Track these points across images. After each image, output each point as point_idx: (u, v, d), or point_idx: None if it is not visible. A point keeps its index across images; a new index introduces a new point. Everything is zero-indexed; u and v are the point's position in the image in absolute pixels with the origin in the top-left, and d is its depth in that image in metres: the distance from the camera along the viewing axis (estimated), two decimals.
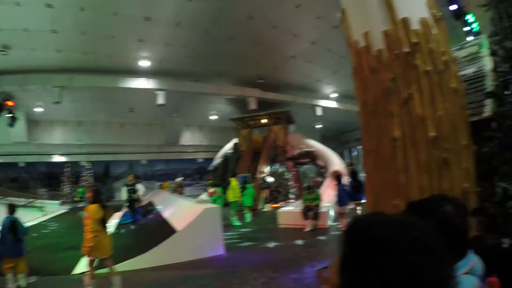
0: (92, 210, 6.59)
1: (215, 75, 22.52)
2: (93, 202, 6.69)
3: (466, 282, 1.38)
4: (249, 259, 8.88)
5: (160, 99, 21.14)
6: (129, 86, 21.26)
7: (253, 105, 23.68)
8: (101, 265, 6.95)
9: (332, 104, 28.56)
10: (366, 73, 4.79)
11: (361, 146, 5.64)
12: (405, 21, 4.51)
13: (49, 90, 20.54)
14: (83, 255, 6.69)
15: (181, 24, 16.93)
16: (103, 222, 6.73)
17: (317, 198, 12.18)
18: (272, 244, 10.31)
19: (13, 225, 7.40)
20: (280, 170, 21.67)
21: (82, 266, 8.83)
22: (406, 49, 4.38)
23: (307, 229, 11.72)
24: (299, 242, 10.29)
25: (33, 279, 7.86)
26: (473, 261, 1.54)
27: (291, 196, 20.52)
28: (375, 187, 4.82)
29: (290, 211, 13.63)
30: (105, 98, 24.74)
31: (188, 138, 34.43)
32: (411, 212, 1.53)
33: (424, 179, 4.20)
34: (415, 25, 4.53)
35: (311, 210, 11.87)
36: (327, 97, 28.00)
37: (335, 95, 27.52)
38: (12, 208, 7.85)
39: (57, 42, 17.42)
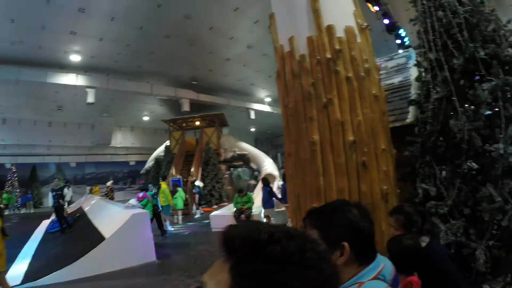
0: None
1: (149, 74, 22.15)
2: None
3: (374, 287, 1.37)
4: (182, 264, 8.74)
5: (90, 97, 20.50)
6: (58, 82, 20.31)
7: (186, 107, 23.56)
8: None
9: (266, 108, 29.04)
10: (288, 77, 4.89)
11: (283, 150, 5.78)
12: (330, 28, 4.63)
13: None
14: None
15: (116, 18, 16.52)
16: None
17: (249, 201, 12.22)
18: (205, 249, 10.22)
19: None
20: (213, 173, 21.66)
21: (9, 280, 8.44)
22: (329, 55, 4.51)
23: None
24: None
25: None
26: (381, 265, 1.48)
27: (224, 199, 20.54)
28: (296, 190, 4.90)
29: (222, 214, 13.60)
30: (32, 94, 23.33)
31: (120, 139, 33.51)
32: (313, 219, 1.52)
33: (343, 181, 4.33)
34: (340, 33, 4.66)
35: (243, 213, 11.92)
36: (261, 101, 28.41)
37: (269, 99, 27.98)
38: None
39: None
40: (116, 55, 19.64)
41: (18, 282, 8.09)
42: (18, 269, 9.38)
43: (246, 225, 0.81)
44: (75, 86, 20.63)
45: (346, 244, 1.37)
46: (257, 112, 28.47)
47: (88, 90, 20.49)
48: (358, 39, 4.83)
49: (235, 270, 0.72)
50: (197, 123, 25.73)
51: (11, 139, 29.48)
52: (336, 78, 4.47)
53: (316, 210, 1.61)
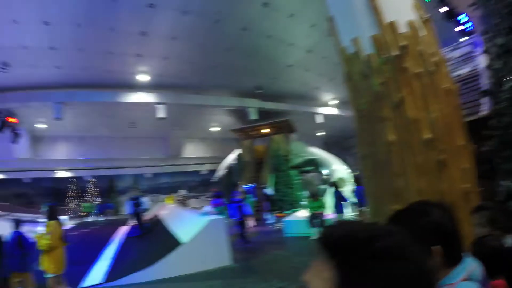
0: (53, 226, 6.62)
1: (214, 87, 22.62)
2: (51, 219, 6.74)
3: None
4: (257, 269, 8.82)
5: (161, 113, 21.22)
6: (129, 101, 21.45)
7: (253, 115, 23.71)
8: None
9: (333, 111, 28.57)
10: (357, 78, 4.78)
11: (357, 152, 5.61)
12: (392, 25, 4.50)
13: (50, 106, 20.67)
14: (53, 273, 6.54)
15: (177, 38, 17.08)
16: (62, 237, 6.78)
17: (322, 205, 12.02)
18: (279, 253, 10.27)
19: (19, 240, 7.40)
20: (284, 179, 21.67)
21: (90, 279, 9.05)
22: (395, 53, 4.37)
23: (314, 237, 11.49)
24: (306, 250, 10.22)
25: None
26: (471, 266, 1.43)
27: (296, 205, 20.41)
28: (374, 192, 4.78)
29: (295, 220, 13.53)
30: (106, 113, 25.00)
31: (191, 150, 34.57)
32: (396, 223, 1.48)
33: (422, 182, 4.16)
34: (402, 28, 4.52)
35: (317, 218, 11.79)
36: (327, 104, 28.01)
37: (335, 101, 27.51)
38: (18, 224, 7.86)
39: (56, 58, 17.71)
40: (182, 72, 20.29)
41: (100, 281, 8.75)
42: (99, 270, 10.09)
43: (346, 225, 0.84)
44: (145, 104, 21.61)
45: (437, 248, 1.34)
46: (324, 115, 28.16)
47: (157, 106, 21.29)
48: (422, 33, 4.65)
49: (341, 268, 0.74)
50: (265, 130, 25.84)
51: (90, 155, 31.76)
52: (405, 75, 4.33)
53: (397, 213, 1.54)
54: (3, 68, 17.92)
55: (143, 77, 20.45)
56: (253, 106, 24.13)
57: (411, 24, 4.57)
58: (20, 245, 7.34)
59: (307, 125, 28.75)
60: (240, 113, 25.99)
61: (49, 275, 6.49)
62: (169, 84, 21.42)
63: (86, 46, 17.12)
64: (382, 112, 4.34)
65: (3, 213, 25.93)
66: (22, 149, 28.08)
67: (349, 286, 0.74)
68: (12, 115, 22.13)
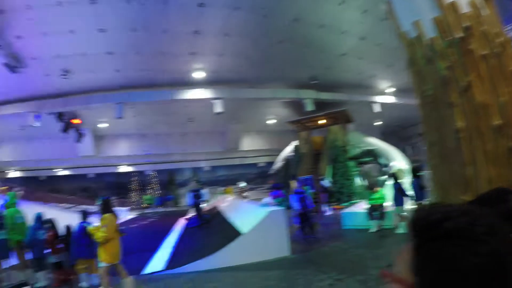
0: (109, 219, 6.86)
1: (269, 80, 22.54)
2: (106, 212, 6.94)
3: None
4: (315, 260, 8.76)
5: (218, 108, 21.44)
6: (187, 98, 21.83)
7: (309, 107, 23.47)
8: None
9: (390, 99, 27.68)
10: (421, 63, 4.57)
11: (424, 140, 5.38)
12: (453, 5, 4.25)
13: (111, 107, 21.60)
14: (108, 263, 6.77)
15: (229, 34, 17.17)
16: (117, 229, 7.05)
17: (382, 197, 11.75)
18: (337, 245, 10.16)
19: (86, 230, 7.87)
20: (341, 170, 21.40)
21: (152, 267, 9.48)
22: (459, 34, 4.13)
23: (373, 230, 11.40)
24: (364, 243, 10.05)
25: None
26: None
27: (354, 196, 20.11)
28: (442, 182, 4.57)
29: (354, 212, 13.34)
30: (165, 111, 25.69)
31: (248, 143, 34.77)
32: None
33: (492, 170, 3.92)
34: (464, 8, 4.26)
35: (376, 210, 11.53)
36: (383, 93, 27.20)
37: (392, 89, 26.64)
38: (85, 214, 8.41)
39: (114, 63, 18.50)
40: (236, 67, 20.34)
41: (162, 268, 9.16)
42: (161, 258, 10.52)
43: (429, 207, 0.83)
44: (202, 100, 21.93)
45: None
46: (381, 104, 27.36)
47: (214, 101, 21.57)
48: (484, 12, 4.36)
49: (415, 249, 0.77)
50: (322, 121, 25.53)
51: (150, 150, 32.89)
52: (471, 58, 4.07)
53: (473, 202, 1.43)
54: (65, 75, 18.98)
55: (199, 74, 20.65)
56: (308, 97, 23.82)
57: (472, 4, 4.30)
58: (86, 234, 7.77)
59: (364, 115, 28.10)
60: (296, 105, 25.76)
61: (103, 265, 6.75)
62: (224, 79, 21.58)
63: (142, 49, 17.64)
64: (449, 98, 4.12)
65: (70, 205, 27.84)
66: (86, 147, 29.78)
67: (419, 267, 0.76)
68: (75, 116, 24.13)
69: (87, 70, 19.24)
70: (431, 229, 0.75)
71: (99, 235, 6.61)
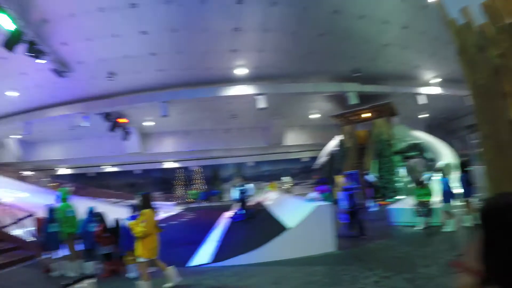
0: (148, 214, 6.97)
1: (312, 74, 22.29)
2: (145, 207, 7.07)
3: None
4: (361, 256, 8.60)
5: (261, 103, 21.43)
6: (229, 94, 21.98)
7: (353, 100, 23.02)
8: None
9: (435, 90, 26.64)
10: (471, 51, 4.32)
11: (474, 134, 5.13)
12: None
13: (156, 106, 22.12)
14: (145, 258, 6.92)
15: (269, 29, 17.11)
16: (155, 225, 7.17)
17: (429, 193, 11.24)
18: (383, 242, 9.95)
19: None
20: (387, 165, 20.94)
21: (198, 259, 9.69)
22: (510, 20, 3.86)
23: (419, 227, 11.03)
24: (411, 240, 9.77)
25: (153, 269, 8.57)
26: None
27: (400, 192, 19.63)
28: (497, 177, 4.32)
29: (400, 208, 12.92)
30: (208, 107, 26.06)
31: (292, 138, 34.68)
32: None
33: None
34: None
35: (423, 207, 11.10)
36: (428, 84, 26.23)
37: (437, 80, 25.64)
38: (134, 208, 8.63)
39: (157, 63, 18.94)
40: (278, 62, 20.22)
41: (207, 261, 9.36)
42: (207, 251, 10.72)
43: (496, 197, 0.90)
44: (245, 96, 21.98)
45: None
46: (427, 96, 26.44)
47: (257, 97, 21.56)
48: None
49: (485, 237, 0.82)
50: (366, 115, 25.09)
51: (195, 146, 33.58)
52: None
53: None
54: (110, 77, 19.76)
55: (241, 71, 20.73)
56: (352, 90, 23.33)
57: None
58: None
59: (409, 107, 27.29)
60: (339, 99, 25.34)
61: (141, 260, 6.91)
62: (266, 75, 21.53)
63: (183, 49, 17.93)
64: (503, 87, 3.87)
65: (118, 200, 28.95)
66: (132, 145, 31.11)
67: (489, 254, 0.80)
68: (122, 116, 25.24)
69: (131, 71, 19.83)
70: (500, 217, 0.79)
71: (137, 230, 6.76)
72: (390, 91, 24.78)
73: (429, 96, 26.10)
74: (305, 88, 23.07)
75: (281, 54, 19.40)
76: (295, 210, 10.82)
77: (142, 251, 6.80)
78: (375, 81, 23.85)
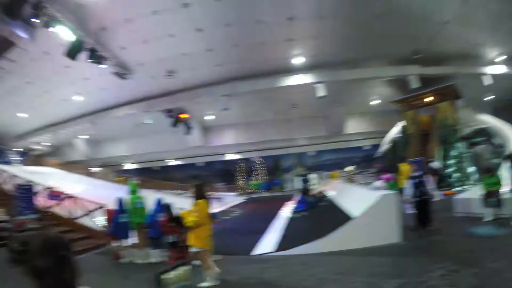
0: (201, 205, 6.97)
1: (370, 59, 21.78)
2: (199, 198, 7.00)
3: None
4: (427, 248, 8.34)
5: (320, 92, 21.30)
6: (288, 84, 22.02)
7: (414, 84, 22.28)
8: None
9: (501, 69, 24.88)
10: None
11: None
12: None
13: (216, 100, 22.71)
14: (198, 248, 6.94)
15: (324, 16, 16.94)
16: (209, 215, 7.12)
17: (498, 182, 10.48)
18: (449, 234, 9.51)
19: None
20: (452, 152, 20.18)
21: (262, 248, 9.85)
22: None
23: (487, 218, 10.29)
24: (479, 232, 9.44)
25: (218, 257, 9.03)
26: None
27: (467, 181, 18.83)
28: None
29: (467, 198, 12.29)
30: (268, 99, 26.29)
31: (353, 126, 34.16)
32: None
33: None
34: None
35: (492, 197, 10.33)
36: (494, 62, 24.54)
37: (503, 58, 23.92)
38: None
39: (214, 58, 19.44)
40: (335, 48, 19.93)
41: (272, 250, 9.44)
42: (270, 240, 10.86)
43: None
44: (304, 85, 21.91)
45: None
46: (492, 76, 24.81)
47: (316, 85, 21.46)
48: None
49: None
50: (429, 99, 24.22)
51: (256, 138, 34.10)
52: None
53: None
54: (170, 75, 20.86)
55: (298, 60, 20.68)
56: (412, 74, 22.44)
57: None
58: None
59: (474, 89, 25.65)
60: (400, 83, 24.54)
61: (194, 249, 7.06)
62: (324, 62, 21.29)
63: (239, 42, 18.21)
64: None
65: (182, 191, 30.18)
66: (194, 138, 32.37)
67: None
68: (183, 111, 26.25)
69: (189, 68, 20.49)
70: None
71: (190, 220, 6.83)
72: (453, 73, 23.54)
73: (494, 76, 24.56)
74: (364, 74, 22.64)
75: (337, 40, 19.13)
76: (359, 199, 10.58)
77: (194, 241, 6.85)
78: (437, 63, 22.84)
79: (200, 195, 7.02)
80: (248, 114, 30.69)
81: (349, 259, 7.94)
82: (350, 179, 26.35)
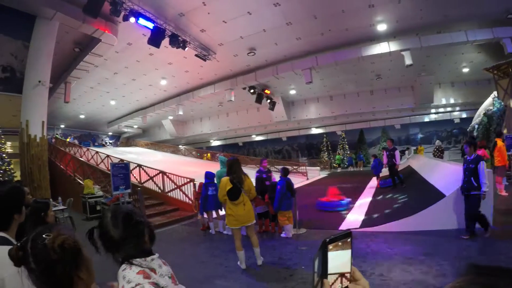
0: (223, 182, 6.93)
1: (459, 20, 20.02)
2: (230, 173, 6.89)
3: None
4: None
5: (407, 60, 20.33)
6: (372, 53, 21.26)
7: (509, 48, 20.39)
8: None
9: None
10: None
11: None
12: None
13: (298, 74, 22.84)
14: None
15: None
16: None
17: None
18: None
19: (288, 184, 9.00)
20: None
21: (347, 224, 9.85)
22: None
23: None
24: None
25: (303, 230, 9.21)
26: None
27: None
28: None
29: None
30: (351, 70, 25.83)
31: (441, 97, 32.23)
32: None
33: None
34: None
35: None
36: None
37: None
38: (286, 171, 9.50)
39: (294, 31, 19.19)
40: (418, 11, 18.40)
41: (357, 226, 9.38)
42: (356, 216, 10.80)
43: None
44: (389, 53, 20.91)
45: None
46: None
47: (403, 53, 20.39)
48: None
49: None
50: None
51: (339, 111, 33.71)
52: None
53: None
54: (251, 53, 21.38)
55: (381, 27, 19.71)
56: (508, 36, 20.49)
57: None
58: (289, 188, 8.97)
59: None
60: (493, 47, 22.59)
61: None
62: (408, 27, 20.01)
63: (318, 13, 17.62)
64: None
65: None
66: (278, 113, 32.54)
67: None
68: (266, 87, 27.06)
69: (270, 43, 20.54)
70: None
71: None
72: None
73: None
74: (453, 38, 20.88)
75: (421, 1, 17.82)
76: (450, 176, 9.87)
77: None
78: None
79: (232, 170, 6.91)
80: (330, 87, 30.40)
81: (437, 240, 7.54)
82: (438, 155, 24.98)
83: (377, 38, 20.65)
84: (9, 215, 2.18)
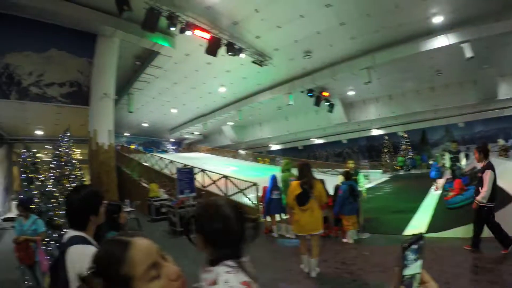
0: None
1: None
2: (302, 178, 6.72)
3: None
4: None
5: (468, 52, 19.38)
6: (430, 48, 20.70)
7: None
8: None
9: None
10: None
11: None
12: None
13: (356, 74, 22.87)
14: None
15: None
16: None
17: None
18: None
19: (351, 188, 9.03)
20: None
21: (413, 228, 9.70)
22: None
23: None
24: None
25: (366, 235, 9.18)
26: None
27: None
28: None
29: None
30: (409, 67, 25.07)
31: (506, 90, 30.24)
32: None
33: None
34: None
35: None
36: None
37: None
38: (348, 175, 9.56)
39: (348, 31, 19.18)
40: (474, 1, 17.74)
41: (423, 230, 9.21)
42: (421, 220, 10.60)
43: None
44: (447, 47, 20.17)
45: None
46: None
47: (463, 45, 19.44)
48: None
49: None
50: None
51: (399, 110, 32.90)
52: None
53: None
54: (307, 56, 21.58)
55: (437, 19, 18.94)
56: None
57: None
58: (352, 193, 8.96)
59: None
60: None
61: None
62: (466, 17, 18.93)
63: (371, 11, 17.49)
64: None
65: (327, 169, 31.96)
66: (337, 115, 32.67)
67: None
68: (324, 90, 27.08)
69: (325, 45, 20.63)
70: None
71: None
72: None
73: None
74: None
75: None
76: None
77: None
78: None
79: (304, 175, 6.74)
80: (389, 86, 29.70)
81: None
82: (502, 154, 23.44)
83: (433, 31, 20.04)
84: (86, 216, 2.42)
